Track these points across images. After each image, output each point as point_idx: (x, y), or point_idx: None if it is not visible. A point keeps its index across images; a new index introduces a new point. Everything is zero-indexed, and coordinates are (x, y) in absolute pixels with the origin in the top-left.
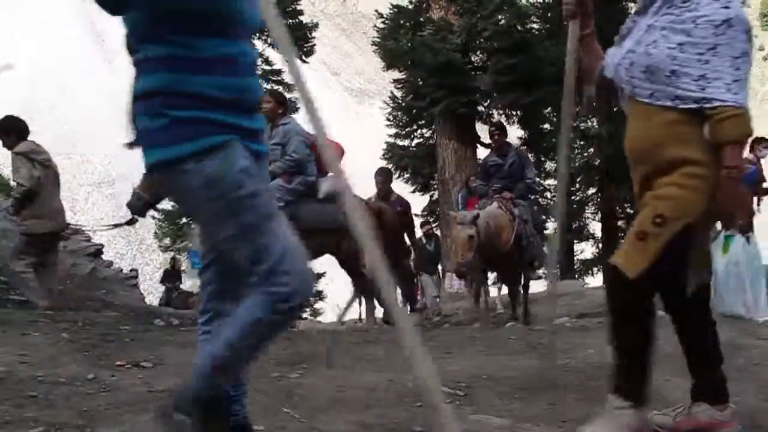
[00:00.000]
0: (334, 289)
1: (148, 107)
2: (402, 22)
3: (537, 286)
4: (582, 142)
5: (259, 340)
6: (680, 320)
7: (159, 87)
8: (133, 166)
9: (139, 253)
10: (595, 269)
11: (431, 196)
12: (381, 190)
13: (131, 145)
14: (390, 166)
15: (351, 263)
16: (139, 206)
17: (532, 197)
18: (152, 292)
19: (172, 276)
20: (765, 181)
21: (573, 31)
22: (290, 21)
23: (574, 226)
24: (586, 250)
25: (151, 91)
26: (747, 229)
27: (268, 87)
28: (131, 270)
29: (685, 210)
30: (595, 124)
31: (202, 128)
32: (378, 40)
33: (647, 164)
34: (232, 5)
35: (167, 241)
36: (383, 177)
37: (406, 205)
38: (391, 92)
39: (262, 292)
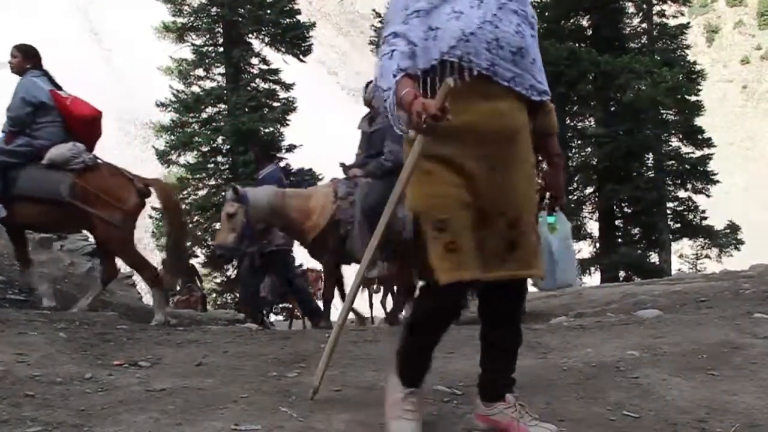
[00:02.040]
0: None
1: None
2: None
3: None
4: (579, 142)
5: None
6: None
7: None
8: (131, 165)
9: None
10: (592, 269)
11: None
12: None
13: None
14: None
15: (107, 245)
16: None
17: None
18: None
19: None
20: None
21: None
22: (287, 20)
23: (571, 225)
24: (583, 250)
25: None
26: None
27: (266, 87)
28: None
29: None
30: (592, 123)
31: None
32: (375, 39)
33: (501, 147)
34: None
35: (165, 240)
36: (254, 151)
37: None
38: None
39: None
